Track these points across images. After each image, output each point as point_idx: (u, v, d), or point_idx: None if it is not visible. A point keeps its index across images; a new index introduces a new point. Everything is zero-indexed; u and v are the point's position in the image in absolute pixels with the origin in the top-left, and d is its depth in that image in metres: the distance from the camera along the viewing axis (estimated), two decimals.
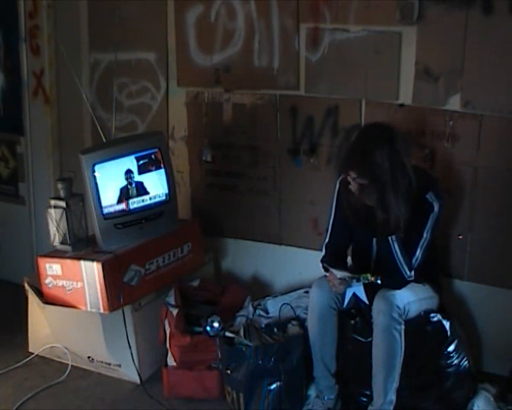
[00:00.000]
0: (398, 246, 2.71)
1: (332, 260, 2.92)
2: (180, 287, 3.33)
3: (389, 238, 2.71)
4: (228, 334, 3.02)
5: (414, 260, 2.74)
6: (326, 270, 2.91)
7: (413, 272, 2.74)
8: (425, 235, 2.74)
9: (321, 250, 3.02)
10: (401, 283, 2.75)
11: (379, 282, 2.76)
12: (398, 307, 2.69)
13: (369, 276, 2.78)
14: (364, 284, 2.84)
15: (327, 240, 2.99)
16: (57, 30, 4.02)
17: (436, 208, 2.73)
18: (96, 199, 3.20)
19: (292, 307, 3.17)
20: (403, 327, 2.70)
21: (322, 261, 2.95)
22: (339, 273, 2.80)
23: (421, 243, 2.74)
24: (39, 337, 3.46)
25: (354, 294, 2.88)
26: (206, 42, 3.66)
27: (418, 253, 2.74)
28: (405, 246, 2.73)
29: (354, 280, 2.81)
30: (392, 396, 2.73)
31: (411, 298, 2.76)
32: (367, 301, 2.86)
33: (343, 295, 2.88)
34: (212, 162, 3.79)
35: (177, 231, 3.46)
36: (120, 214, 3.27)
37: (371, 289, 2.83)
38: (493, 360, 3.19)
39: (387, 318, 2.67)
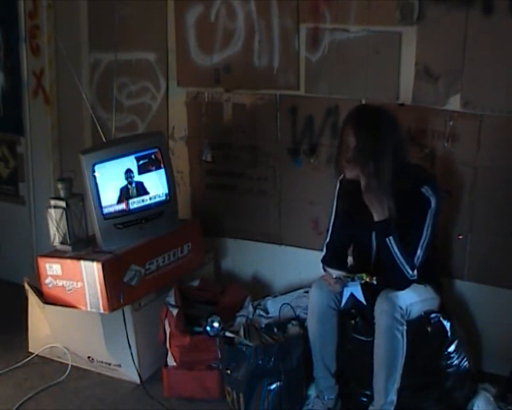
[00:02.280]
0: (397, 247, 2.70)
1: (333, 259, 2.92)
2: (180, 287, 3.33)
3: (387, 240, 2.70)
4: (228, 334, 3.02)
5: (416, 260, 2.72)
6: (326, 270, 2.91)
7: (416, 272, 2.73)
8: (425, 233, 2.73)
9: (321, 250, 3.02)
10: (405, 283, 2.74)
11: (374, 282, 2.76)
12: (401, 308, 2.69)
13: (364, 276, 2.77)
14: (362, 285, 2.84)
15: (327, 240, 2.99)
16: (57, 30, 4.02)
17: (433, 204, 2.72)
18: (96, 199, 3.20)
19: (292, 307, 3.17)
20: (405, 328, 2.69)
21: (322, 261, 2.96)
22: (334, 273, 2.81)
23: (421, 242, 2.73)
24: (39, 337, 3.46)
25: (352, 294, 2.88)
26: (206, 42, 3.66)
27: (419, 252, 2.73)
28: (406, 246, 2.73)
29: (349, 280, 2.82)
30: (393, 397, 2.73)
31: (414, 299, 2.76)
32: (364, 302, 2.85)
33: (341, 295, 2.88)
34: (212, 162, 3.79)
35: (177, 231, 3.46)
36: (120, 214, 3.27)
37: (369, 290, 2.83)
38: (493, 360, 3.19)
39: (390, 318, 2.67)
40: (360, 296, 2.86)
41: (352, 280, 2.81)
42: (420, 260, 2.74)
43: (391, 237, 2.69)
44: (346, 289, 2.86)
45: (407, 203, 2.71)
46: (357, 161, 2.70)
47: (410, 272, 2.72)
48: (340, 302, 2.88)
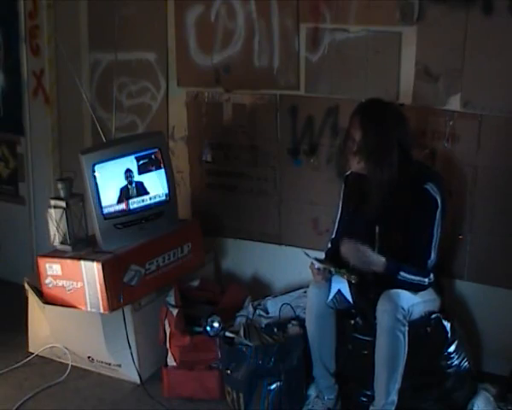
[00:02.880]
0: (409, 274, 2.69)
1: (335, 255, 2.92)
2: (180, 287, 3.33)
3: (399, 277, 2.68)
4: (228, 334, 3.03)
5: (429, 263, 2.73)
6: None
7: (432, 275, 2.74)
8: (435, 234, 2.73)
9: (321, 250, 3.02)
10: (423, 289, 2.75)
11: (353, 281, 2.73)
12: (403, 309, 2.68)
13: (343, 271, 2.75)
14: (350, 283, 2.82)
15: (332, 235, 3.01)
16: (57, 30, 4.02)
17: (440, 203, 2.71)
18: (96, 199, 3.20)
19: (292, 307, 3.18)
20: (406, 328, 2.69)
21: (326, 254, 2.97)
22: (316, 264, 2.80)
23: (433, 244, 2.73)
24: (39, 337, 3.46)
25: (339, 290, 2.86)
26: (206, 42, 3.66)
27: (433, 255, 2.73)
28: (417, 249, 2.72)
29: (327, 271, 2.79)
30: (394, 397, 2.72)
31: (416, 300, 2.75)
32: (351, 300, 2.83)
33: (328, 290, 2.86)
34: (212, 162, 3.79)
35: (177, 231, 3.46)
36: (120, 214, 3.27)
37: (366, 289, 2.82)
38: (493, 360, 3.18)
39: (392, 318, 2.66)
40: (347, 294, 2.81)
41: (330, 273, 2.79)
42: (434, 262, 2.74)
43: (401, 272, 2.69)
44: (333, 285, 2.82)
45: (411, 199, 2.71)
46: (362, 153, 2.71)
47: (426, 280, 2.73)
48: (337, 301, 2.88)
